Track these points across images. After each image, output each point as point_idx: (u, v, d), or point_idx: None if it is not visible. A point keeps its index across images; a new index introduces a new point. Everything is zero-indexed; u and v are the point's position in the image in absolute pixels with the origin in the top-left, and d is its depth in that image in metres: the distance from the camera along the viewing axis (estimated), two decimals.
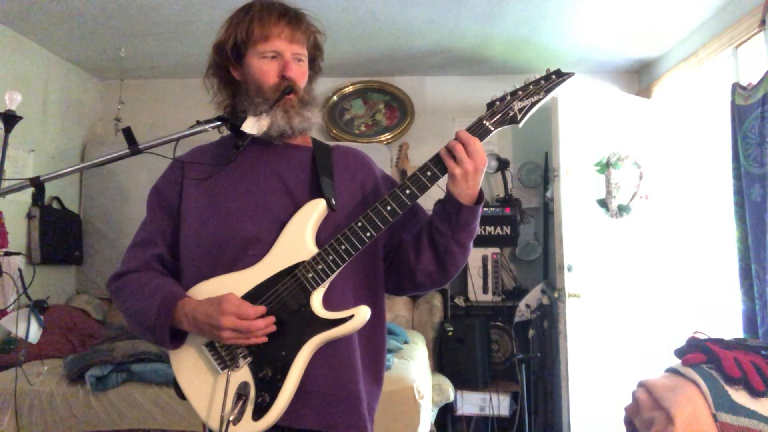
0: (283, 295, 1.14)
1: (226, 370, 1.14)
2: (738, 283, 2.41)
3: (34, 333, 2.34)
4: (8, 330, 2.36)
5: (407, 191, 1.15)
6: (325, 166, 1.26)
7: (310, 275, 1.13)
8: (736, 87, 2.47)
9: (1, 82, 3.04)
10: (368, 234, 1.14)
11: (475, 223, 1.20)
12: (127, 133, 1.08)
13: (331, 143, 1.39)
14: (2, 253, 2.50)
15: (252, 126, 1.16)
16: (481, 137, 1.15)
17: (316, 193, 1.21)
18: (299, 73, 1.25)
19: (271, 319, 1.12)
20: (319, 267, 1.13)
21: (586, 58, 3.63)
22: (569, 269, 3.07)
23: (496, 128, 1.17)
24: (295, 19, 1.24)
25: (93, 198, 3.79)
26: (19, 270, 2.48)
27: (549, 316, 3.45)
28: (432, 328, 3.53)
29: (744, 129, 2.39)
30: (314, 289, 1.14)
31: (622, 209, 3.25)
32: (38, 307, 2.36)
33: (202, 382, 1.16)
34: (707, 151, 3.05)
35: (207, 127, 1.15)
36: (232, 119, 1.17)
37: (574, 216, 3.13)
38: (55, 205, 3.56)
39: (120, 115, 3.54)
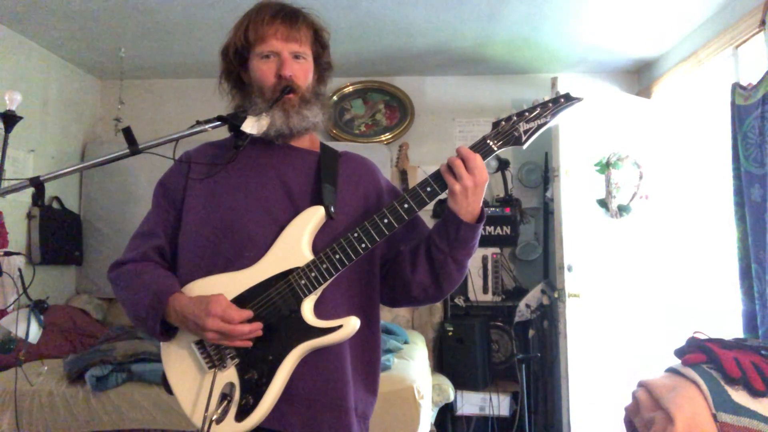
0: (275, 300, 1.14)
1: (213, 369, 1.14)
2: (738, 283, 2.41)
3: (34, 333, 2.33)
4: (8, 330, 2.35)
5: (405, 205, 1.15)
6: (330, 173, 1.26)
7: (303, 282, 1.13)
8: (736, 87, 2.47)
9: (1, 82, 3.04)
10: (363, 245, 1.14)
11: (475, 242, 1.19)
12: (127, 133, 1.08)
13: (340, 149, 1.38)
14: (2, 253, 2.50)
15: (252, 126, 1.16)
16: (484, 156, 1.14)
17: (317, 199, 1.21)
18: (299, 71, 1.24)
19: (258, 325, 1.12)
20: (312, 274, 1.14)
21: (586, 58, 3.63)
22: (569, 269, 3.07)
23: (499, 148, 1.16)
24: (289, 17, 1.23)
25: (93, 198, 3.80)
26: (19, 270, 2.47)
27: (549, 316, 3.45)
28: (432, 328, 3.54)
29: (744, 129, 2.39)
30: (306, 296, 1.14)
31: (622, 209, 3.25)
32: (38, 307, 2.36)
33: (190, 379, 1.17)
34: (707, 151, 3.05)
35: (207, 127, 1.15)
36: (231, 119, 1.17)
37: (574, 216, 3.13)
38: (55, 205, 3.56)
39: (120, 115, 3.54)
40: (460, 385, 3.25)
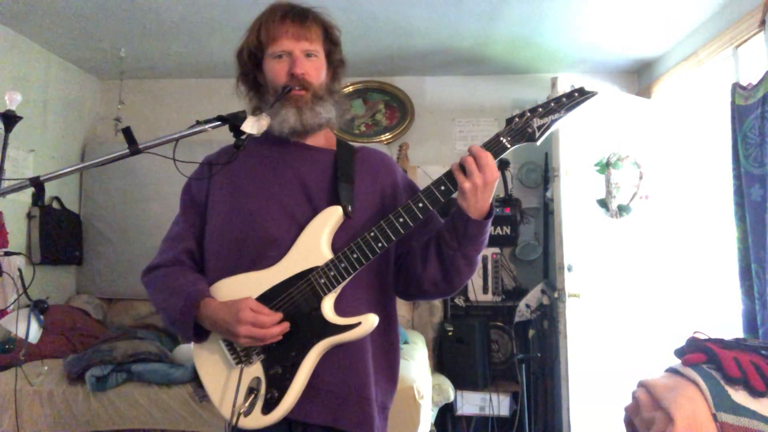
0: (296, 298, 1.18)
1: (240, 365, 1.19)
2: (738, 283, 2.41)
3: (34, 333, 2.33)
4: (8, 330, 2.35)
5: (420, 204, 1.17)
6: (346, 171, 1.28)
7: (323, 281, 1.17)
8: (736, 87, 2.47)
9: (1, 82, 3.04)
10: (380, 244, 1.17)
11: (483, 237, 1.21)
12: (127, 133, 1.08)
13: (357, 144, 1.40)
14: (2, 253, 2.50)
15: (252, 126, 1.17)
16: (497, 153, 1.15)
17: (335, 199, 1.24)
18: (311, 68, 1.26)
19: (286, 325, 1.17)
20: (331, 273, 1.17)
21: (586, 58, 3.62)
22: (569, 269, 3.07)
23: (512, 145, 1.16)
24: (299, 16, 1.26)
25: (93, 198, 3.79)
26: (19, 270, 2.47)
27: (549, 316, 3.45)
28: (432, 328, 3.53)
29: (744, 129, 2.39)
30: (325, 294, 1.18)
31: (622, 209, 3.25)
32: (38, 307, 2.36)
33: (218, 373, 1.22)
34: (707, 151, 3.05)
35: (207, 127, 1.15)
36: (231, 119, 1.17)
37: (574, 216, 3.13)
38: (55, 205, 3.56)
39: (120, 115, 3.53)
40: (460, 385, 3.25)
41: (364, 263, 1.17)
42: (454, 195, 1.19)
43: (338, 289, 1.19)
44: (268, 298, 1.18)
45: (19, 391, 2.40)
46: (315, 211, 1.22)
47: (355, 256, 1.16)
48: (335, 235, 1.22)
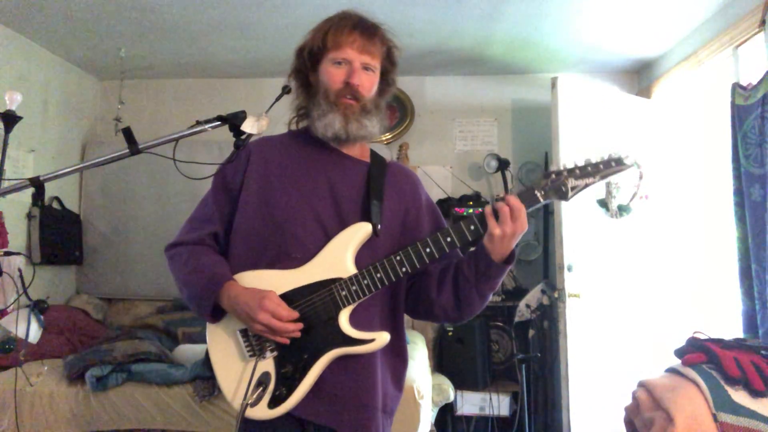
0: (316, 304, 1.22)
1: (253, 358, 1.23)
2: (738, 283, 2.41)
3: (34, 333, 2.33)
4: (8, 330, 2.35)
5: (448, 239, 1.22)
6: (378, 187, 1.32)
7: (344, 293, 1.22)
8: (736, 87, 2.47)
9: (1, 82, 3.04)
10: (404, 269, 1.22)
11: (500, 279, 1.26)
12: (127, 133, 1.08)
13: (388, 159, 1.44)
14: (2, 253, 2.50)
15: (252, 125, 1.17)
16: (529, 205, 1.20)
17: (365, 215, 1.28)
18: (367, 81, 1.30)
19: (300, 325, 1.20)
20: (353, 288, 1.21)
21: (586, 58, 3.62)
22: (569, 269, 3.07)
23: (545, 200, 1.22)
24: (368, 30, 1.31)
25: (93, 198, 3.79)
26: (19, 270, 2.47)
27: (549, 316, 3.45)
28: (432, 328, 3.54)
29: (744, 129, 2.39)
30: (344, 306, 1.22)
31: (622, 209, 3.25)
32: (38, 307, 2.36)
33: (231, 363, 1.27)
34: (707, 151, 3.05)
35: (207, 127, 1.15)
36: (231, 119, 1.17)
37: (574, 216, 3.13)
38: (55, 205, 3.56)
39: (120, 115, 3.53)
40: (460, 385, 3.26)
41: (386, 284, 1.22)
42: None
43: (356, 304, 1.23)
44: (289, 299, 1.22)
45: (19, 391, 2.40)
46: (342, 221, 1.27)
47: (378, 275, 1.21)
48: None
